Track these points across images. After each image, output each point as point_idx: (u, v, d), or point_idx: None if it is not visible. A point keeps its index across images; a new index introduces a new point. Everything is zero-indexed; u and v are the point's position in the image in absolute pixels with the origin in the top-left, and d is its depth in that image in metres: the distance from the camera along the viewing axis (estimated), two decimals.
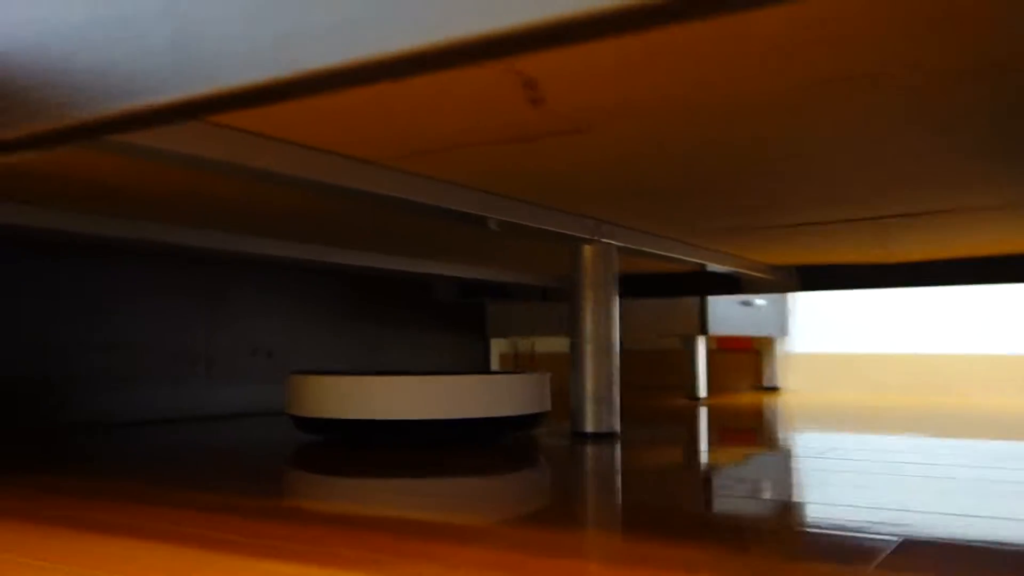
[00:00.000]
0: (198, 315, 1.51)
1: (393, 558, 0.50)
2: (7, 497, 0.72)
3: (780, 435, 1.19)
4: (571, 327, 1.21)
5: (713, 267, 1.55)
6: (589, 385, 1.19)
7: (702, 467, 0.89)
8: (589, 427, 1.18)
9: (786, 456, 0.96)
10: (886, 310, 2.35)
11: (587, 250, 1.19)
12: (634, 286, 2.00)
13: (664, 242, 1.36)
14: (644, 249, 1.29)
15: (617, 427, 1.19)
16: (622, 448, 1.06)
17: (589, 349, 1.19)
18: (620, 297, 2.04)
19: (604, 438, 1.16)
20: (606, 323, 1.19)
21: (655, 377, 2.57)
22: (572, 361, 1.20)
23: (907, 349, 2.33)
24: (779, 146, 0.76)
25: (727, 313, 2.03)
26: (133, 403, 1.41)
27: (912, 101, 0.62)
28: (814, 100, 0.62)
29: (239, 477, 0.83)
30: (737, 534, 0.56)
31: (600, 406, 1.18)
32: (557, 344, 2.56)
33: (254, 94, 0.40)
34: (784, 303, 2.42)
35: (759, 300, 2.21)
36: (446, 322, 2.10)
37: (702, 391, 1.95)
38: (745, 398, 2.02)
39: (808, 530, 0.57)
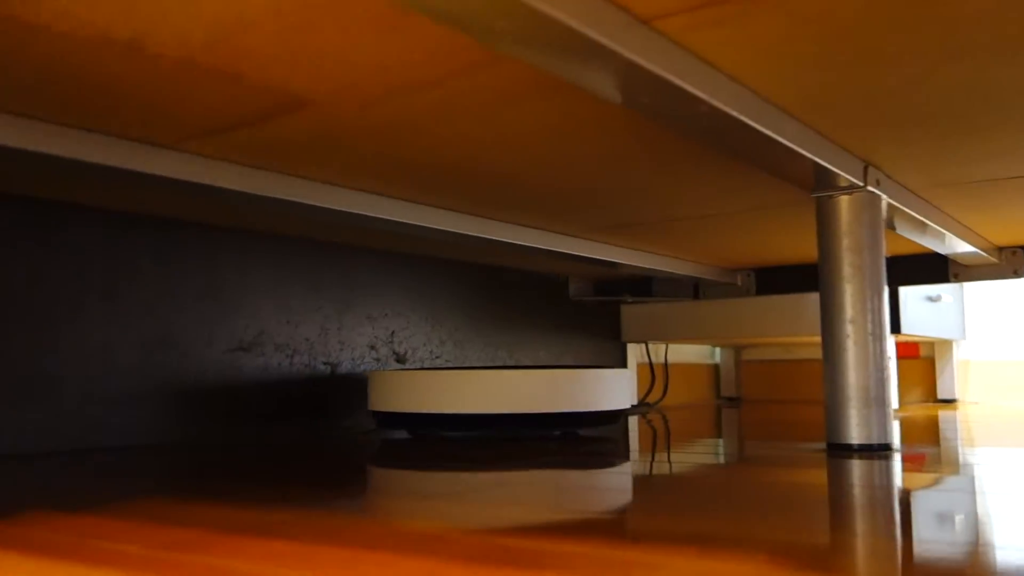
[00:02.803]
0: (325, 308, 1.25)
1: None
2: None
3: None
4: (824, 306, 0.91)
5: (951, 244, 1.24)
6: (852, 381, 0.89)
7: None
8: (854, 437, 0.89)
9: None
10: None
11: (846, 202, 0.90)
12: (788, 277, 1.69)
13: (922, 205, 1.06)
14: (905, 209, 0.99)
15: (892, 438, 0.89)
16: (909, 469, 0.76)
17: (850, 333, 0.89)
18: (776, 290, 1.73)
19: (874, 452, 0.87)
20: (874, 299, 0.89)
21: (801, 390, 2.25)
22: (825, 352, 0.91)
23: None
24: None
25: (915, 310, 1.72)
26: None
27: None
28: None
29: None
30: None
31: (868, 410, 0.89)
32: (694, 354, 2.25)
33: None
34: (962, 302, 2.09)
35: (946, 296, 1.88)
36: (584, 324, 1.82)
37: (894, 402, 1.63)
38: (934, 411, 1.70)
39: None
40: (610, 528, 0.47)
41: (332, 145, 0.79)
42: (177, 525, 0.49)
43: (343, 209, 0.95)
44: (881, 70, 0.63)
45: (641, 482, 0.67)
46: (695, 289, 1.80)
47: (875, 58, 0.61)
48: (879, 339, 0.89)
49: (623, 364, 1.94)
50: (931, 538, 0.44)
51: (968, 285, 2.12)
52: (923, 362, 2.13)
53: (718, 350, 2.36)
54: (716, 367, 2.36)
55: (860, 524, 0.48)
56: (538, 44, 0.49)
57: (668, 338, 1.89)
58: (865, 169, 0.89)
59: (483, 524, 0.49)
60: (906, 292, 1.68)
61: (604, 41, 0.49)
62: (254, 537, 0.46)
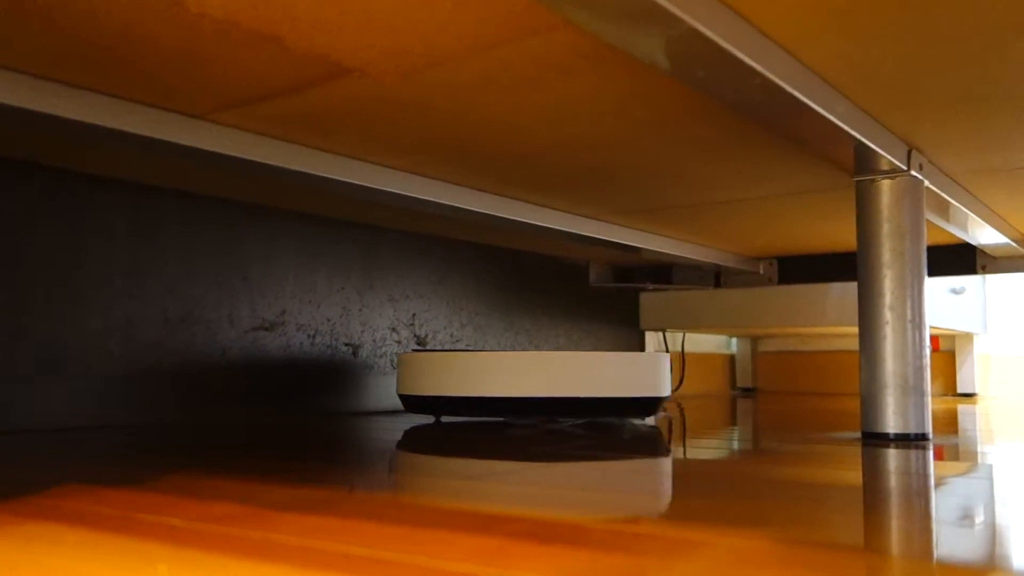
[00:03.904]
0: (349, 292, 1.24)
1: None
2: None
3: None
4: (862, 292, 0.89)
5: (983, 234, 1.22)
6: (890, 369, 0.87)
7: None
8: (890, 426, 0.87)
9: None
10: None
11: (887, 186, 0.88)
12: (812, 266, 1.67)
13: (959, 192, 1.04)
14: (942, 195, 0.97)
15: (928, 428, 0.88)
16: (947, 459, 0.74)
17: (889, 320, 0.87)
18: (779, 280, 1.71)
19: (911, 442, 0.85)
20: (914, 286, 0.88)
21: (818, 382, 2.23)
22: (862, 339, 0.89)
23: None
24: None
25: (938, 302, 1.69)
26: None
27: None
28: None
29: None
30: None
31: (906, 398, 0.87)
32: (711, 344, 2.24)
33: None
34: (984, 295, 2.07)
35: (969, 288, 1.86)
36: (603, 311, 1.80)
37: None
38: (953, 404, 1.68)
39: None
40: (655, 509, 0.46)
41: (368, 117, 0.77)
42: (217, 500, 0.48)
43: (372, 186, 0.93)
44: (939, 46, 0.61)
45: (682, 468, 0.66)
46: (716, 277, 1.78)
47: (936, 33, 0.59)
48: (918, 327, 0.87)
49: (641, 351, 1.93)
50: (956, 520, 0.42)
51: (990, 278, 2.10)
52: (943, 355, 2.11)
53: (734, 340, 2.34)
54: (732, 357, 2.35)
55: (902, 511, 0.46)
56: (599, 6, 0.47)
57: (687, 326, 1.87)
58: (909, 153, 0.87)
59: (535, 504, 0.47)
60: (929, 284, 1.66)
61: (667, 4, 0.47)
62: (300, 513, 0.44)
